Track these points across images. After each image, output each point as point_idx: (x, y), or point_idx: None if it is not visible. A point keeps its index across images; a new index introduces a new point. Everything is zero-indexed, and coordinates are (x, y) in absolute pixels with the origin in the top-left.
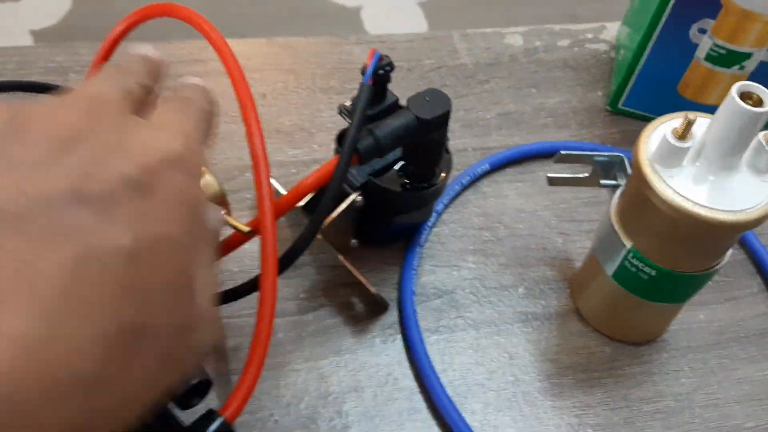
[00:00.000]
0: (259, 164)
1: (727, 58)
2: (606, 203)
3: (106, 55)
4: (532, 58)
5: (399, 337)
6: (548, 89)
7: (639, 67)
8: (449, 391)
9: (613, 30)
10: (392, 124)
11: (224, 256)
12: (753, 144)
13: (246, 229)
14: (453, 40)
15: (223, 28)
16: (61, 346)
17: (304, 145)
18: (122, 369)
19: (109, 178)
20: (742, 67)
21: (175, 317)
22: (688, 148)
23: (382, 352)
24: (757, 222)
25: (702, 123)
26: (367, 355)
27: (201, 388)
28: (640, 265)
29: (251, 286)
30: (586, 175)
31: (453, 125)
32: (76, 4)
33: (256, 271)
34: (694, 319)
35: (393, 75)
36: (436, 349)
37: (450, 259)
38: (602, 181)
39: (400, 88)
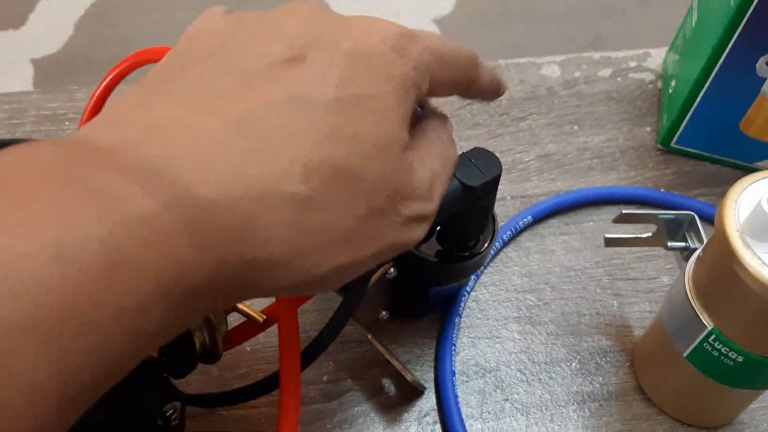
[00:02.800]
0: None
1: None
2: (674, 265)
3: (100, 102)
4: (572, 91)
5: (438, 426)
6: (592, 126)
7: (697, 101)
8: None
9: (658, 57)
10: None
11: (233, 348)
12: None
13: (261, 318)
14: None
15: None
16: (270, 166)
17: None
18: (330, 202)
19: (326, 46)
20: None
21: (384, 173)
22: None
23: None
24: None
25: None
26: None
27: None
28: (725, 350)
29: (268, 385)
30: (650, 234)
31: None
32: (77, 32)
33: (274, 364)
34: None
35: None
36: None
37: (492, 330)
38: (669, 243)
39: None
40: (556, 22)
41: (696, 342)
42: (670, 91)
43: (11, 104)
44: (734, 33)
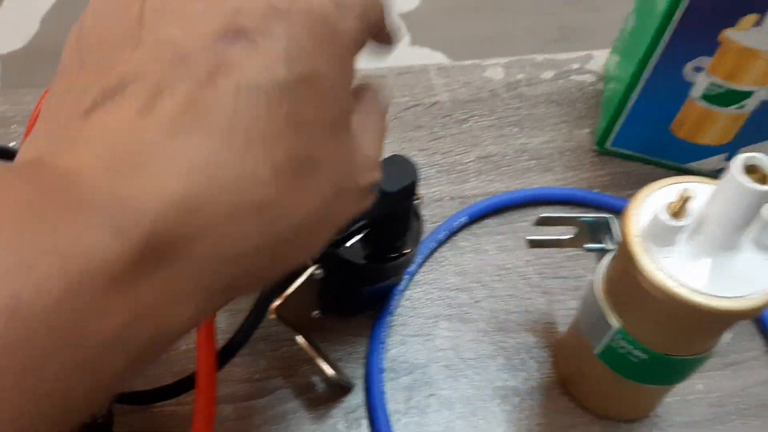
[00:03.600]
0: None
1: (726, 97)
2: (593, 263)
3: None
4: (514, 93)
5: (365, 422)
6: (532, 128)
7: (630, 103)
8: None
9: (600, 59)
10: None
11: None
12: (760, 219)
13: None
14: (429, 74)
15: None
16: (233, 172)
17: None
18: (297, 196)
19: (257, 11)
20: (741, 106)
21: (341, 151)
22: (683, 227)
23: None
24: (761, 309)
25: (702, 192)
26: None
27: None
28: (630, 347)
29: (186, 384)
30: (571, 236)
31: (429, 171)
32: (43, 27)
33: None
34: (691, 389)
35: None
36: None
37: (423, 328)
38: (586, 245)
39: None
40: (526, 16)
41: (605, 340)
42: (609, 93)
43: None
44: (662, 38)
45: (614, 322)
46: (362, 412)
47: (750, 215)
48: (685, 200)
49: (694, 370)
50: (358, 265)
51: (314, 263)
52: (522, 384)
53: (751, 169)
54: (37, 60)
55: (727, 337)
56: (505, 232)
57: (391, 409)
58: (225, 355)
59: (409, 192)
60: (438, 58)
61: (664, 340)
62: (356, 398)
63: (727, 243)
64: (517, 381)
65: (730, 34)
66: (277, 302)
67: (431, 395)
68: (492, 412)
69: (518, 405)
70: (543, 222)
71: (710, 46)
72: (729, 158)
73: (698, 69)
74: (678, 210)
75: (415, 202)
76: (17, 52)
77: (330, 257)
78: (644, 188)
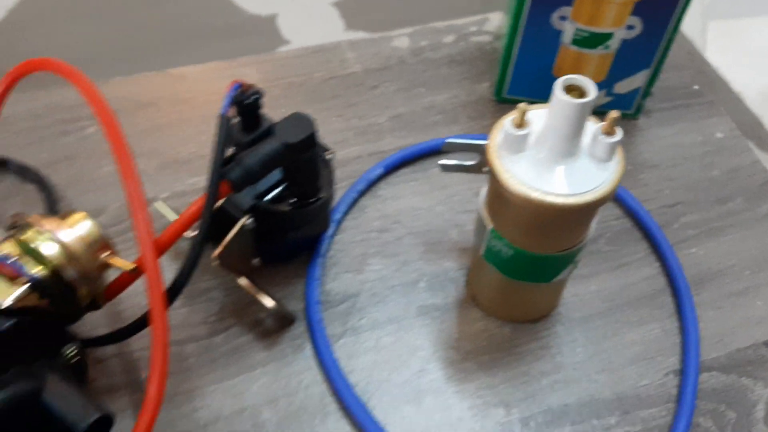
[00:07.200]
0: (134, 203)
1: (591, 40)
2: None
3: None
4: (419, 58)
5: (308, 345)
6: (437, 86)
7: (514, 56)
8: (357, 390)
9: (495, 21)
10: (261, 151)
11: (114, 297)
12: (591, 133)
13: (130, 266)
14: (342, 49)
15: (137, 55)
16: None
17: (203, 172)
18: None
19: None
20: (607, 47)
21: None
22: (526, 135)
23: (292, 362)
24: (590, 206)
25: (544, 114)
26: (279, 366)
27: (103, 424)
28: (500, 244)
29: (142, 322)
30: (474, 162)
31: (347, 134)
32: None
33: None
34: (586, 289)
35: (285, 92)
36: (344, 352)
37: (353, 265)
38: (484, 168)
39: (295, 104)
40: None
41: (485, 242)
42: (500, 49)
43: None
44: None
45: (489, 224)
46: (306, 337)
47: (576, 126)
48: (523, 113)
49: (558, 269)
50: (282, 212)
51: (244, 214)
52: (441, 302)
53: (570, 88)
54: (19, 30)
55: (581, 241)
56: (419, 179)
57: (329, 333)
58: (172, 292)
59: (309, 142)
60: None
61: (522, 238)
62: (299, 328)
63: (564, 152)
64: (437, 299)
65: None
66: (217, 251)
67: (362, 318)
68: (415, 326)
69: (438, 318)
70: (449, 148)
71: None
72: (607, 94)
73: (563, 18)
74: (520, 122)
75: (328, 156)
76: None
77: (256, 208)
78: (507, 114)
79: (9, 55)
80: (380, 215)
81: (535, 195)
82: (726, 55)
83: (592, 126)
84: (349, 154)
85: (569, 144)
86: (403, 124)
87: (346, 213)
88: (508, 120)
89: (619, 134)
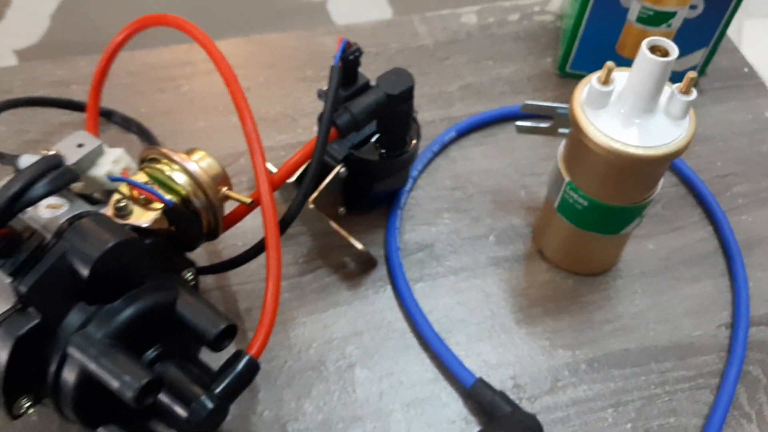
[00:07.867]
0: (253, 143)
1: (655, 18)
2: None
3: (107, 65)
4: (486, 34)
5: (389, 287)
6: (503, 60)
7: (580, 33)
8: (436, 327)
9: (557, 1)
10: (365, 101)
11: (229, 229)
12: (667, 93)
13: (248, 200)
14: (414, 24)
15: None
16: None
17: (289, 130)
18: None
19: None
20: (669, 25)
21: None
22: (610, 92)
23: (375, 302)
24: (665, 158)
25: (626, 75)
26: (363, 305)
27: (229, 332)
28: (576, 196)
29: (258, 248)
30: (548, 125)
31: (420, 100)
32: (54, 22)
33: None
34: (644, 249)
35: (362, 60)
36: (421, 294)
37: (428, 218)
38: (560, 130)
39: (370, 71)
40: None
41: (561, 194)
42: (564, 27)
43: (24, 73)
44: None
45: (566, 177)
46: (386, 280)
47: (657, 84)
48: (609, 70)
49: (629, 220)
50: (372, 161)
51: (338, 164)
52: (510, 254)
53: (655, 49)
54: (50, 52)
55: (652, 193)
56: (488, 143)
57: (408, 277)
58: (285, 222)
59: (407, 95)
60: None
61: (599, 190)
62: (380, 272)
63: (644, 109)
64: (507, 252)
65: None
66: (313, 195)
67: (439, 266)
68: (488, 275)
69: (508, 269)
70: (528, 108)
71: None
72: None
73: None
74: (605, 79)
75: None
76: (32, 47)
77: (351, 158)
78: (589, 75)
79: (76, 32)
80: (452, 174)
81: (617, 146)
82: (761, 53)
83: (667, 88)
84: (422, 119)
85: (649, 101)
86: (472, 93)
87: (422, 171)
88: (594, 77)
89: (694, 94)
